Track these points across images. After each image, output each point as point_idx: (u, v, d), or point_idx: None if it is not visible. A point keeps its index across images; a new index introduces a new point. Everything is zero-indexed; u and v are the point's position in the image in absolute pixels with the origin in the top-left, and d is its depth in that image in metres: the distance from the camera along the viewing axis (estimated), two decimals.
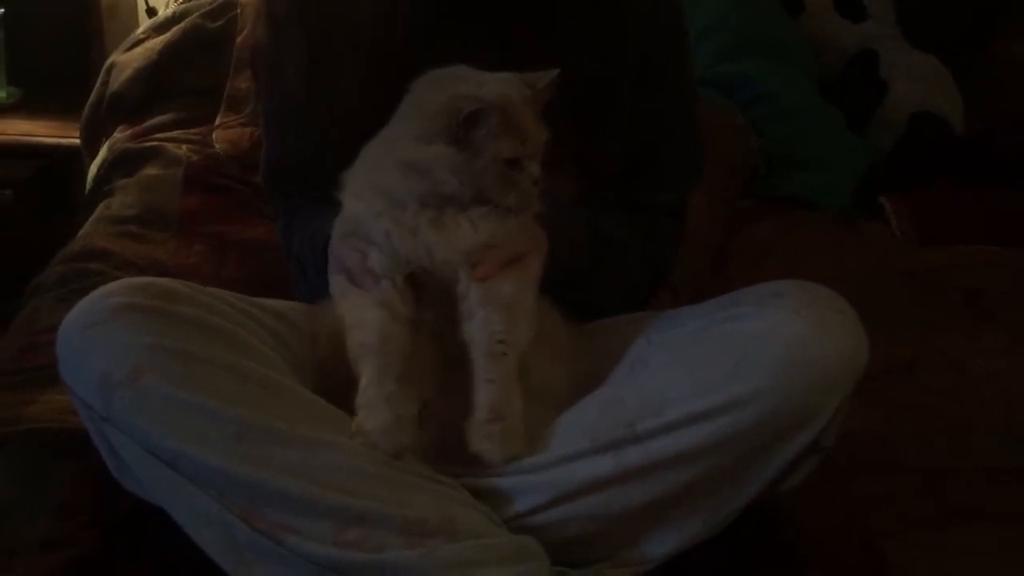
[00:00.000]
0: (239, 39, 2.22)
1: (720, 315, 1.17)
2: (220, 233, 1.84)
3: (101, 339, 1.06)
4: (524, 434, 1.12)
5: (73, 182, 2.34)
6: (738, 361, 1.09)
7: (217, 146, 2.05)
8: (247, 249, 1.79)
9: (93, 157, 2.17)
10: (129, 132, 2.12)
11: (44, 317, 1.55)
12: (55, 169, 2.37)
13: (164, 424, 1.04)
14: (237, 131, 2.08)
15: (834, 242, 2.02)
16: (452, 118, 1.10)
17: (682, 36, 1.39)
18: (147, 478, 1.08)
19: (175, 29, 2.25)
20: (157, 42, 2.23)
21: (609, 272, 1.33)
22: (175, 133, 2.10)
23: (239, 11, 2.26)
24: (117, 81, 2.20)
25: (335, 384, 1.15)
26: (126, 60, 2.23)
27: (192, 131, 2.10)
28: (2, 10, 2.45)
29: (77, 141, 2.26)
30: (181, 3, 2.36)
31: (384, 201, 1.13)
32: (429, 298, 1.14)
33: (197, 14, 2.27)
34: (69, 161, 2.34)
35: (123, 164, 2.02)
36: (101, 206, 1.90)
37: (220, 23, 2.26)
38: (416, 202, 1.12)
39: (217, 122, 2.11)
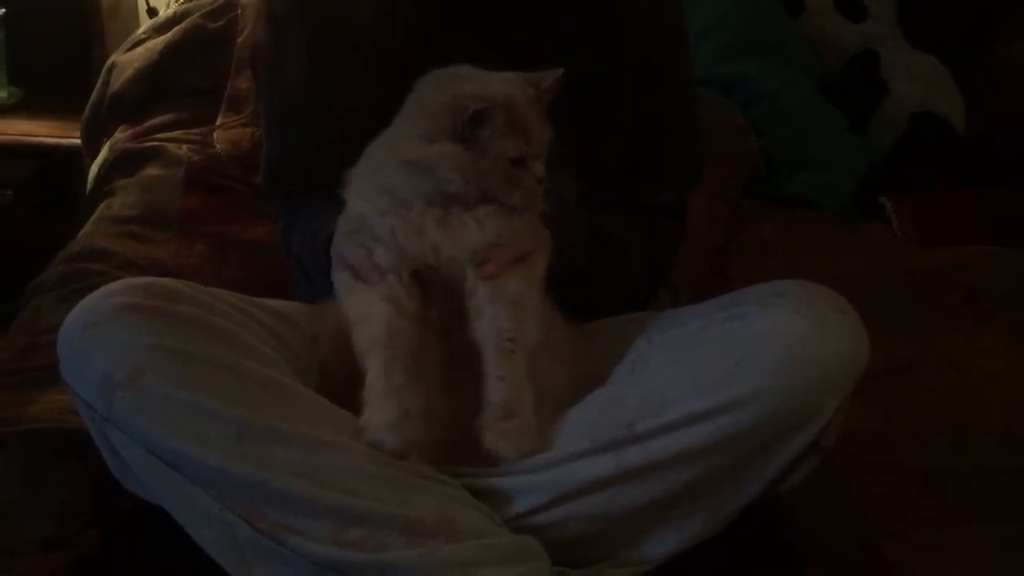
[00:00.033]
0: (240, 39, 2.22)
1: (720, 315, 1.17)
2: (221, 233, 1.84)
3: (102, 339, 1.06)
4: (536, 430, 1.13)
5: (74, 182, 2.34)
6: (738, 361, 1.09)
7: (218, 146, 2.05)
8: (248, 249, 1.79)
9: (94, 157, 2.17)
10: (130, 132, 2.12)
11: (45, 317, 1.55)
12: (56, 169, 2.37)
13: (165, 424, 1.04)
14: (238, 131, 2.08)
15: (834, 242, 2.02)
16: (458, 117, 1.10)
17: (682, 36, 1.40)
18: (148, 478, 1.08)
19: (176, 29, 2.25)
20: (158, 42, 2.24)
21: (609, 272, 1.33)
22: (176, 133, 2.10)
23: (240, 11, 2.26)
24: (118, 81, 2.20)
25: (336, 384, 1.15)
26: (127, 60, 2.23)
27: (193, 131, 2.10)
28: (3, 10, 2.46)
29: (78, 141, 2.26)
30: (182, 3, 2.36)
31: (389, 200, 1.13)
32: (434, 296, 1.14)
33: (198, 14, 2.27)
34: (70, 161, 2.34)
35: (124, 164, 2.02)
36: (102, 206, 1.90)
37: (221, 23, 2.26)
38: (421, 201, 1.12)
39: (218, 122, 2.11)
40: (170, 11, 2.34)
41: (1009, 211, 2.12)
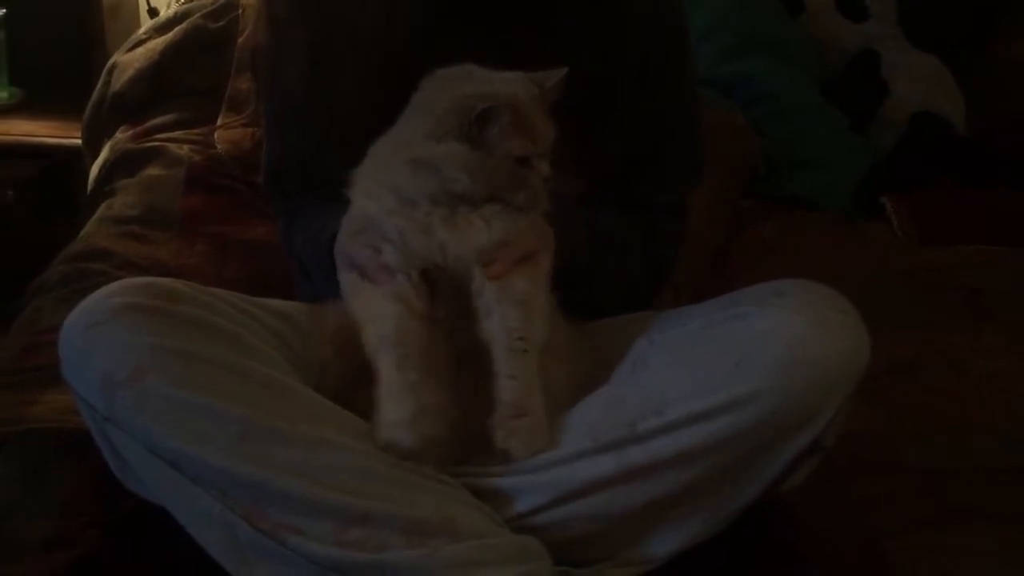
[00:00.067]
0: (240, 40, 2.22)
1: (721, 315, 1.17)
2: (222, 233, 1.84)
3: (103, 339, 1.06)
4: (547, 428, 1.13)
5: (75, 182, 2.34)
6: (739, 361, 1.09)
7: (219, 146, 2.06)
8: (249, 249, 1.80)
9: (95, 157, 2.17)
10: (131, 132, 2.12)
11: (46, 317, 1.55)
12: (57, 169, 2.37)
13: (166, 424, 1.04)
14: (238, 131, 2.08)
15: (835, 242, 2.02)
16: (464, 116, 1.10)
17: (682, 36, 1.39)
18: (149, 478, 1.08)
19: (177, 30, 2.25)
20: (159, 43, 2.24)
21: (609, 272, 1.33)
22: (177, 133, 2.10)
23: (240, 12, 2.26)
24: (119, 81, 2.20)
25: (337, 384, 1.15)
26: (128, 60, 2.23)
27: (194, 131, 2.11)
28: (4, 11, 2.46)
29: (79, 141, 2.27)
30: (183, 4, 2.36)
31: (395, 199, 1.13)
32: (442, 295, 1.14)
33: (199, 15, 2.27)
34: (71, 161, 2.34)
35: (125, 164, 2.02)
36: (103, 206, 1.90)
37: (221, 24, 2.26)
38: (427, 200, 1.12)
39: (219, 122, 2.11)
40: (171, 11, 2.34)
41: (1009, 211, 2.12)
